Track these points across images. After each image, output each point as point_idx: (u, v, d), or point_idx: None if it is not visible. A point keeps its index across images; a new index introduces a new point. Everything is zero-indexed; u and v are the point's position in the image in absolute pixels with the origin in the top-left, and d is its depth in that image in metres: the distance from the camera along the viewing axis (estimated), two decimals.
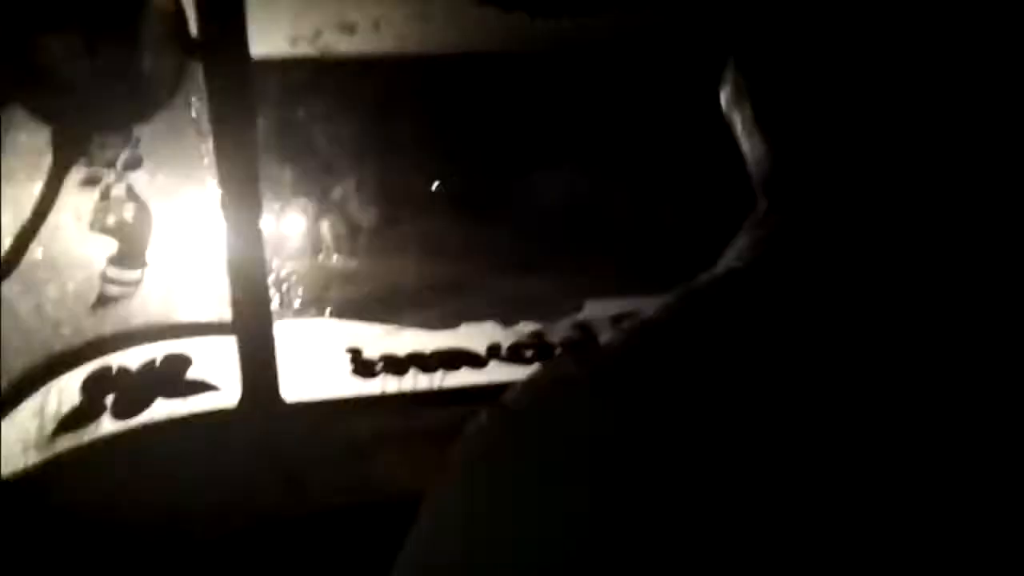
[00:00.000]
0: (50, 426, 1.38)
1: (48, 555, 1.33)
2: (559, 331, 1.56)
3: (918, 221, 0.56)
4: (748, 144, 0.65)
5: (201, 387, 1.44)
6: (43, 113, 1.26)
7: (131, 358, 1.41)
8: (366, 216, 1.52)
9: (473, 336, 1.55)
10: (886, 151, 0.57)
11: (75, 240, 1.35)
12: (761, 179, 0.64)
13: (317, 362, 1.50)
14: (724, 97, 0.67)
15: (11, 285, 1.31)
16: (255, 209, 1.36)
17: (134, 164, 1.32)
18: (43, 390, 1.37)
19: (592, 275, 1.56)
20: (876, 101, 0.56)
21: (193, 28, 1.25)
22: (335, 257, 1.51)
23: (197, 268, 1.43)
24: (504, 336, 1.55)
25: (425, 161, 1.54)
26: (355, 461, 1.45)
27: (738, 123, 0.66)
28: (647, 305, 1.40)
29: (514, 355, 1.55)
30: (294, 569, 1.47)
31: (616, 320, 1.57)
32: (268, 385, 1.44)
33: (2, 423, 1.34)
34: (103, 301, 1.37)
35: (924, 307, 0.52)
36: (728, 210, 0.71)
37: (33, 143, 1.30)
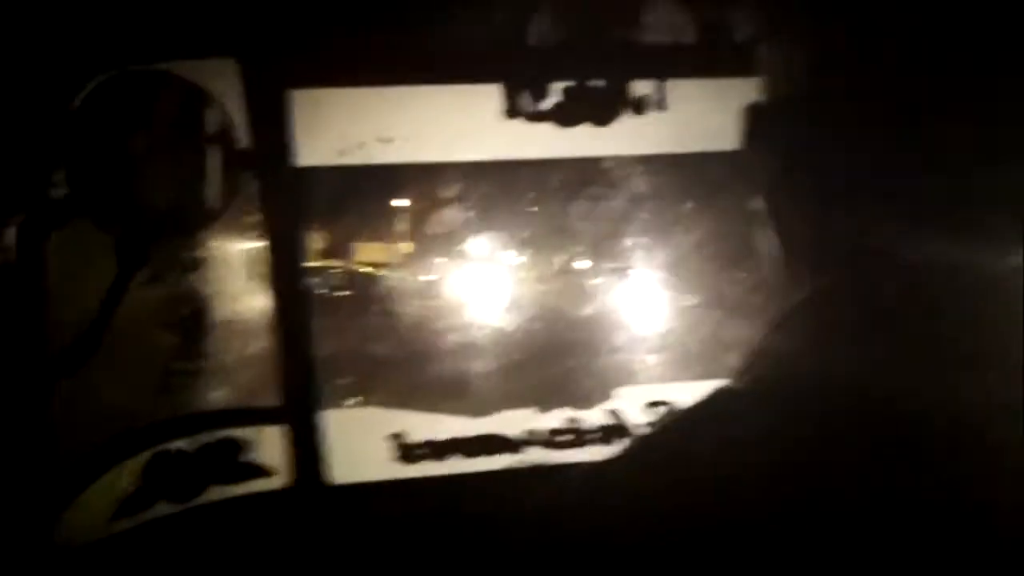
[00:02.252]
0: (113, 507, 1.47)
1: None
2: (594, 417, 1.61)
3: None
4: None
5: (253, 471, 1.53)
6: (109, 226, 1.39)
7: (188, 444, 1.51)
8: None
9: (510, 422, 1.61)
10: None
11: (142, 334, 1.46)
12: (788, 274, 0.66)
13: (362, 448, 1.57)
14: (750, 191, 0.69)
15: (82, 377, 1.42)
16: (304, 305, 1.46)
17: (194, 265, 1.43)
18: (106, 475, 1.46)
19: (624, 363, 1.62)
20: None
21: (244, 140, 1.37)
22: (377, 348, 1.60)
23: (251, 359, 1.53)
24: (541, 421, 1.61)
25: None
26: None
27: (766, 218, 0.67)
28: (679, 391, 1.46)
29: (550, 441, 1.60)
30: None
31: (650, 406, 1.62)
32: (316, 469, 1.52)
33: (71, 504, 1.43)
34: (164, 389, 1.47)
35: None
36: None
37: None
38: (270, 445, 1.52)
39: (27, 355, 1.38)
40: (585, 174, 1.56)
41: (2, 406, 1.36)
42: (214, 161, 1.37)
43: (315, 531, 1.50)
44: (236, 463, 1.52)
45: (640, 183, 1.53)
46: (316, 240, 1.50)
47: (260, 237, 1.40)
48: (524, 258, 1.63)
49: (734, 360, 0.66)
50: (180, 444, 1.50)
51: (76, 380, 1.41)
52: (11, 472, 1.37)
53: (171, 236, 1.39)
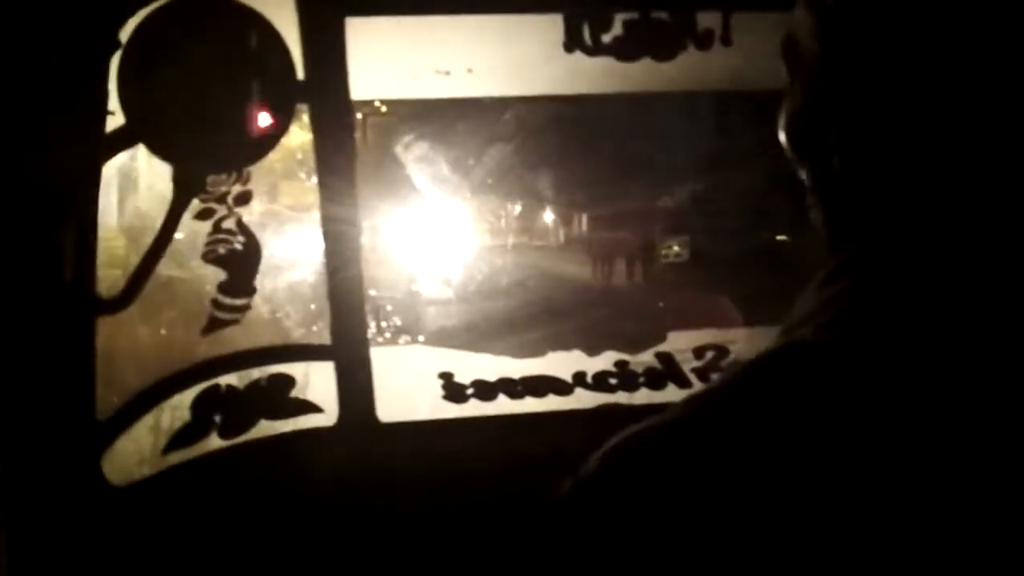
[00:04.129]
0: (163, 442, 1.47)
1: (157, 563, 1.42)
2: (642, 361, 1.60)
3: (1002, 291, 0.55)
4: (818, 197, 0.63)
5: (303, 407, 1.52)
6: (165, 153, 1.37)
7: (238, 380, 1.50)
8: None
9: (559, 364, 1.59)
10: (967, 208, 0.56)
11: (189, 268, 1.45)
12: (832, 232, 0.63)
13: (411, 386, 1.57)
14: (790, 144, 0.64)
15: (132, 310, 1.41)
16: (355, 241, 1.44)
17: (244, 199, 1.41)
18: (157, 408, 1.47)
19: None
20: (958, 154, 0.55)
21: (299, 73, 1.34)
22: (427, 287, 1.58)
23: (301, 296, 1.52)
24: (589, 364, 1.59)
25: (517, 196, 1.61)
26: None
27: (808, 173, 0.64)
28: (729, 337, 1.44)
29: (599, 383, 1.59)
30: None
31: (698, 352, 1.60)
32: (365, 407, 1.52)
33: (119, 438, 1.44)
34: (213, 326, 1.46)
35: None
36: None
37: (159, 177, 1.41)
38: (319, 382, 1.52)
39: (76, 289, 1.37)
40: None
41: (54, 340, 1.36)
42: (269, 91, 1.34)
43: (362, 468, 1.50)
44: (285, 399, 1.52)
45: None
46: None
47: (312, 171, 1.38)
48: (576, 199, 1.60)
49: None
50: (230, 379, 1.50)
51: (126, 314, 1.41)
52: (61, 405, 1.38)
53: (225, 166, 1.37)
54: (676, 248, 1.71)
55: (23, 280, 1.34)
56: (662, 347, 1.61)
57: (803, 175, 0.64)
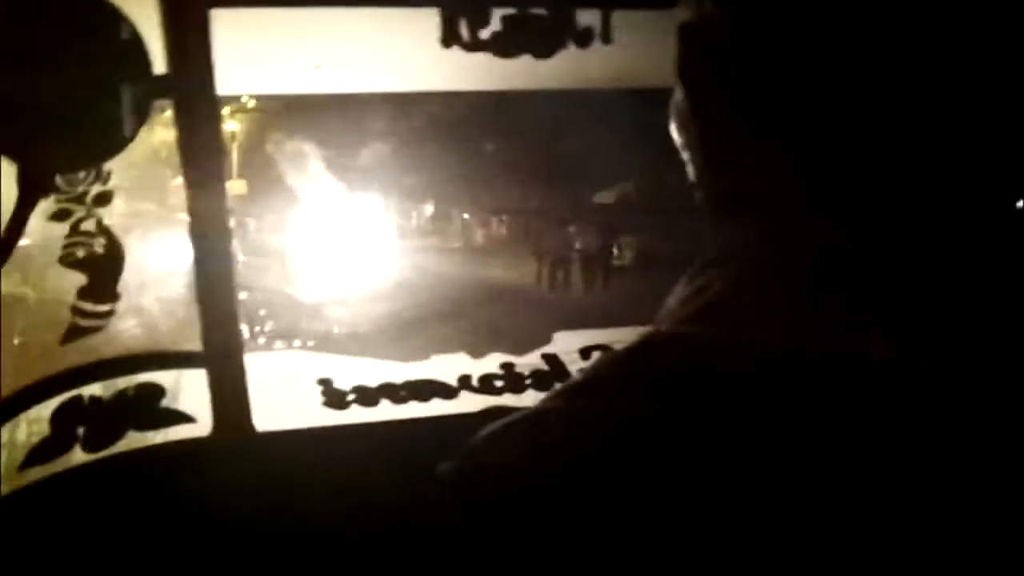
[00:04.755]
0: (20, 457, 1.39)
1: None
2: (528, 363, 1.58)
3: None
4: (698, 186, 0.64)
5: (174, 417, 1.46)
6: (10, 150, 1.28)
7: (103, 390, 1.43)
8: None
9: (444, 367, 1.56)
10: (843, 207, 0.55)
11: (46, 273, 1.37)
12: (709, 221, 0.62)
13: (289, 394, 1.51)
14: (674, 128, 0.64)
15: None
16: (225, 243, 1.38)
17: (104, 200, 1.33)
18: (12, 422, 1.38)
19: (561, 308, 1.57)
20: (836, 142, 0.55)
21: (159, 66, 1.27)
22: (305, 291, 1.53)
23: (169, 300, 1.44)
24: (475, 367, 1.57)
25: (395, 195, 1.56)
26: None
27: (687, 158, 0.64)
28: (615, 337, 1.43)
29: (485, 386, 1.56)
30: None
31: (585, 352, 1.59)
32: (239, 415, 1.46)
33: None
34: (74, 334, 1.38)
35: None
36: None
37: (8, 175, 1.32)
38: (191, 391, 1.45)
39: None
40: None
41: None
42: (127, 86, 1.27)
43: (238, 478, 1.44)
44: (155, 409, 1.45)
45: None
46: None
47: (177, 169, 1.31)
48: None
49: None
50: (94, 390, 1.42)
51: None
52: None
53: (78, 165, 1.29)
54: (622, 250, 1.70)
55: None
56: (548, 348, 1.59)
57: (688, 166, 0.64)
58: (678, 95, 0.62)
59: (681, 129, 0.63)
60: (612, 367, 0.60)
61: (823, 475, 0.51)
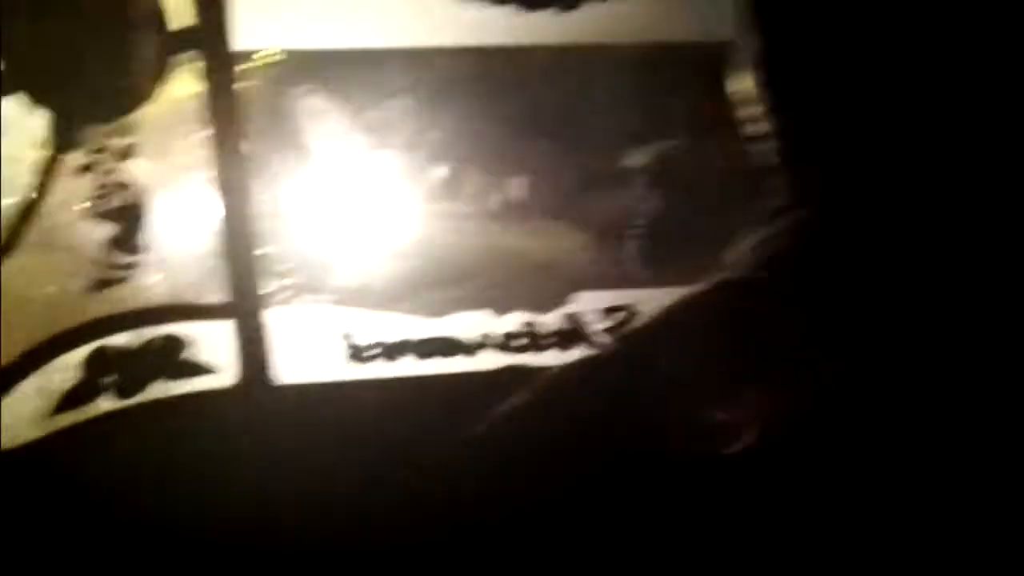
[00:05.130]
0: (51, 403, 1.42)
1: (47, 526, 1.38)
2: (550, 322, 1.57)
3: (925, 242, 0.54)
4: (755, 142, 0.63)
5: (198, 369, 1.48)
6: (43, 102, 1.30)
7: (130, 339, 1.46)
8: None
9: (466, 324, 1.56)
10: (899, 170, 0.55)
11: (75, 224, 1.39)
12: (769, 174, 0.63)
13: (313, 347, 1.53)
14: (732, 89, 0.64)
15: (11, 266, 1.36)
16: (247, 196, 1.39)
17: (130, 153, 1.35)
18: (44, 368, 1.42)
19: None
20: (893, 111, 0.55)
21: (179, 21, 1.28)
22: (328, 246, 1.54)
23: (195, 252, 1.47)
24: (497, 325, 1.56)
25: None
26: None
27: (747, 118, 0.64)
28: (639, 298, 1.40)
29: (506, 344, 1.56)
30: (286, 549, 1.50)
31: (608, 312, 1.58)
32: (263, 368, 1.48)
33: (4, 399, 1.39)
34: (101, 284, 1.41)
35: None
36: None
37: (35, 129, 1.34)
38: (215, 343, 1.47)
39: None
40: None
41: None
42: (147, 40, 1.28)
43: (260, 430, 1.47)
44: (180, 360, 1.47)
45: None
46: None
47: (199, 123, 1.32)
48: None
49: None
50: (121, 339, 1.45)
51: (5, 275, 1.35)
52: None
53: (103, 118, 1.31)
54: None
55: None
56: (571, 307, 1.58)
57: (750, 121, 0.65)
58: (755, 43, 0.62)
59: (759, 80, 0.63)
60: (686, 311, 0.59)
61: None
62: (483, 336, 1.54)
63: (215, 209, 1.41)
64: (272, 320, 1.47)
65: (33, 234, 1.35)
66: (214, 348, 1.47)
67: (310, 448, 1.47)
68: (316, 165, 1.48)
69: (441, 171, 1.49)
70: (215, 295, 1.46)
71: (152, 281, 1.44)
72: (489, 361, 1.54)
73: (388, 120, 1.45)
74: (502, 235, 1.56)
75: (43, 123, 1.33)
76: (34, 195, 1.33)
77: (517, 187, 1.56)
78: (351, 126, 1.45)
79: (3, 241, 1.34)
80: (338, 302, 1.54)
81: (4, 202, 1.33)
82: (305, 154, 1.46)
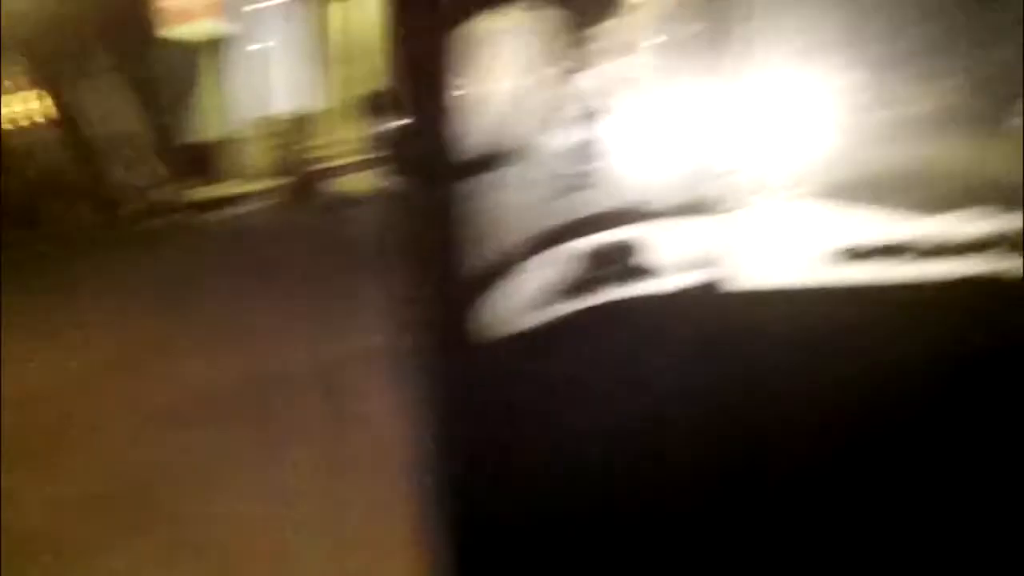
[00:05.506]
0: (519, 305, 1.46)
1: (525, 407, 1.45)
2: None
3: None
4: None
5: (651, 273, 1.44)
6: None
7: (597, 242, 1.45)
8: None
9: (966, 223, 1.34)
10: None
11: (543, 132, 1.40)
12: None
13: (790, 247, 1.41)
14: None
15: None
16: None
17: (599, 58, 1.33)
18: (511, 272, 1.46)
19: None
20: None
21: None
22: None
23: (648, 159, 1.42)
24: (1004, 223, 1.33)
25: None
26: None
27: None
28: None
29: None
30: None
31: None
32: (735, 269, 1.40)
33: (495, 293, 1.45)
34: (567, 189, 1.41)
35: None
36: None
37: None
38: (669, 246, 1.42)
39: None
40: None
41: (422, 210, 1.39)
42: None
43: (731, 330, 1.39)
44: (641, 262, 1.44)
45: None
46: None
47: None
48: None
49: None
50: (579, 244, 1.44)
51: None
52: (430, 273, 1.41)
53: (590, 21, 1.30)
54: None
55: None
56: None
57: None
58: None
59: None
60: None
61: None
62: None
63: (671, 116, 1.34)
64: (750, 218, 1.38)
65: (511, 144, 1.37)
66: (668, 252, 1.42)
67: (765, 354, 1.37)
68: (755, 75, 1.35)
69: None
70: (666, 200, 1.40)
71: (609, 186, 1.41)
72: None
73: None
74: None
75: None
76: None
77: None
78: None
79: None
80: (821, 196, 1.40)
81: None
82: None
